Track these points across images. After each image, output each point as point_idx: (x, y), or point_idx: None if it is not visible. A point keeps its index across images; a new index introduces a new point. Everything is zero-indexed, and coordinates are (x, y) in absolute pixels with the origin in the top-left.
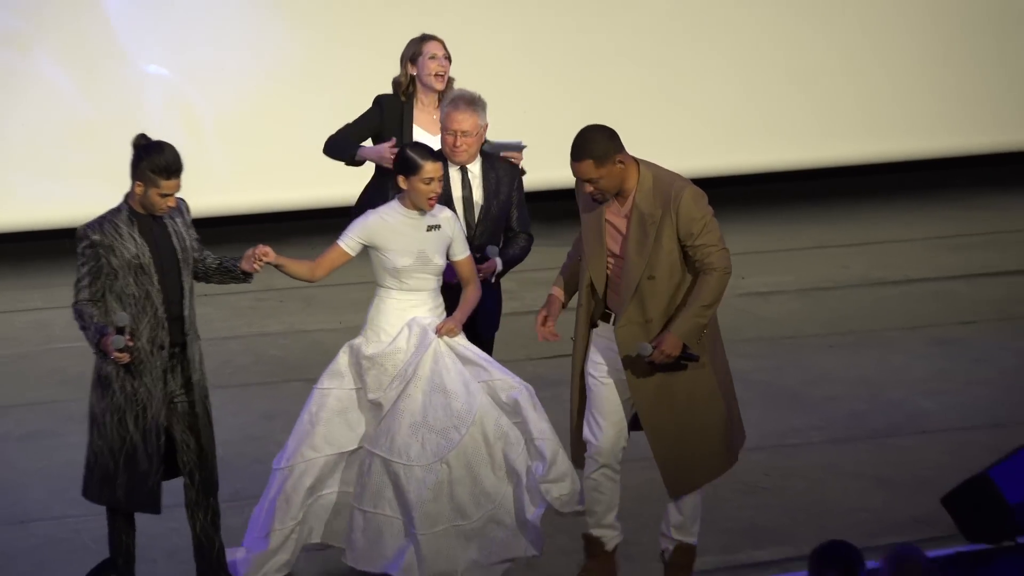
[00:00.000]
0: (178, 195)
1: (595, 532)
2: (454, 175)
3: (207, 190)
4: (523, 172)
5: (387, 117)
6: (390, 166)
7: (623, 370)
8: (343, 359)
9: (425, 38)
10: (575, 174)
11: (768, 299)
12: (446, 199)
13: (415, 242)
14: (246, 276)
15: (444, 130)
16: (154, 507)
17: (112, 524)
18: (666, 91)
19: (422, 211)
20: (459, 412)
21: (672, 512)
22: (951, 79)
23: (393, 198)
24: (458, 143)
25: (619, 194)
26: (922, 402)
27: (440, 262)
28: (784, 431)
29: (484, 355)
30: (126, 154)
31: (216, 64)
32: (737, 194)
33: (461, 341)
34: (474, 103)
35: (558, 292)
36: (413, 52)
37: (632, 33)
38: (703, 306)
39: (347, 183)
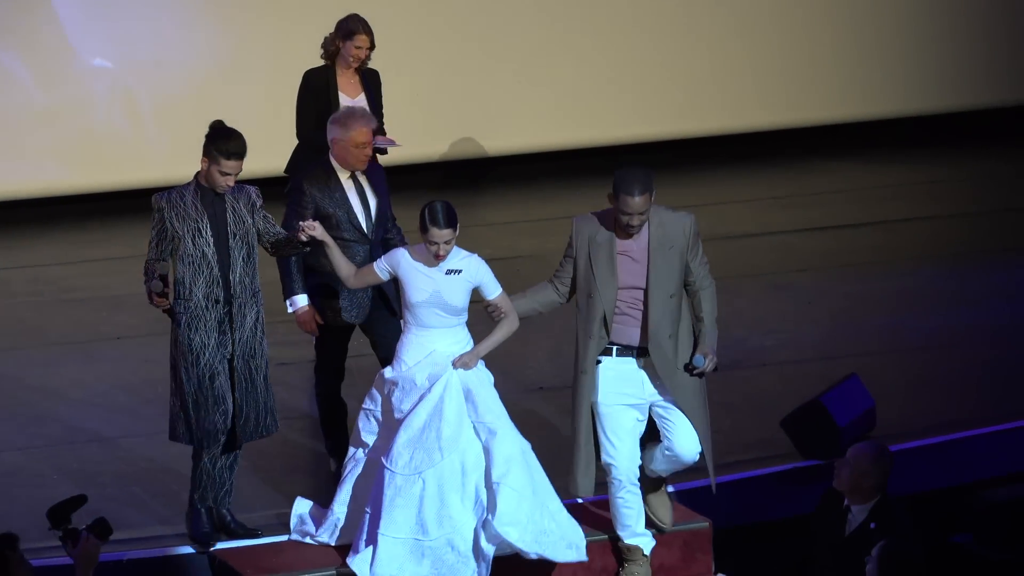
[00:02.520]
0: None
1: (631, 541)
2: (347, 182)
3: (145, 165)
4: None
5: (315, 86)
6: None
7: (631, 395)
8: (376, 385)
9: (359, 29)
10: (632, 208)
11: None
12: (345, 204)
13: (431, 282)
14: (303, 244)
15: (350, 144)
16: (213, 444)
17: (194, 461)
18: (535, 71)
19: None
20: (447, 438)
21: (668, 504)
22: (784, 61)
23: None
24: (366, 153)
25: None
26: (762, 339)
27: (457, 304)
28: None
29: (490, 397)
30: (76, 136)
31: (153, 58)
32: (601, 164)
33: (477, 374)
34: (367, 117)
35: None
36: (347, 31)
37: (498, 22)
38: (716, 318)
39: (268, 158)
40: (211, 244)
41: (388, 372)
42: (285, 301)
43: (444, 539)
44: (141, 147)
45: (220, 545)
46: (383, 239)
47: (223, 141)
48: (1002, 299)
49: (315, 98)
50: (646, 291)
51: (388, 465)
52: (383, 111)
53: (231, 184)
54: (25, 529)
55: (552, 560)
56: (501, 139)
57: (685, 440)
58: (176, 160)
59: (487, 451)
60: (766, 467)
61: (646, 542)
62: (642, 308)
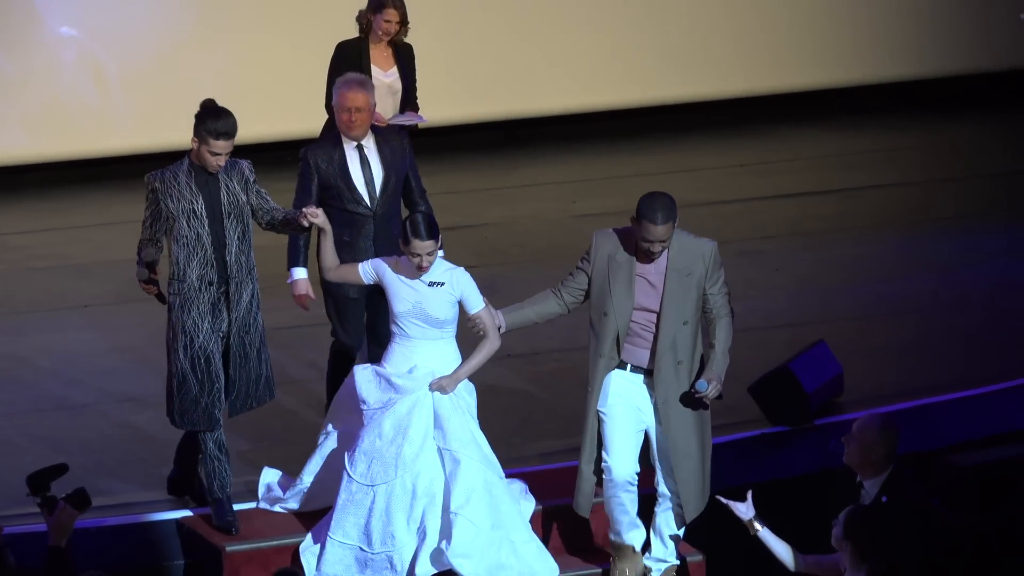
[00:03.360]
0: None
1: (621, 540)
2: (351, 152)
3: (112, 134)
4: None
5: (349, 57)
6: None
7: (639, 408)
8: (353, 373)
9: (389, 3)
10: (654, 235)
11: (598, 220)
12: (344, 175)
13: (413, 293)
14: (303, 228)
15: (339, 108)
16: (207, 425)
17: (199, 446)
18: (517, 34)
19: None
20: (404, 457)
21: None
22: (752, 28)
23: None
24: (353, 119)
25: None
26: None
27: (441, 316)
28: None
29: (461, 424)
30: (42, 104)
31: (120, 26)
32: (567, 131)
33: (452, 400)
34: (364, 84)
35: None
36: (376, 4)
37: None
38: (729, 348)
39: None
40: (205, 226)
41: (372, 367)
42: (288, 270)
43: (385, 555)
44: (108, 115)
45: (188, 512)
46: (391, 215)
47: (212, 121)
48: (968, 265)
49: (346, 69)
50: (659, 315)
51: (347, 468)
52: (416, 85)
53: (221, 164)
54: None
55: None
56: (480, 105)
57: (670, 472)
58: (143, 129)
59: (449, 480)
60: (734, 433)
61: (637, 536)
62: (654, 331)
